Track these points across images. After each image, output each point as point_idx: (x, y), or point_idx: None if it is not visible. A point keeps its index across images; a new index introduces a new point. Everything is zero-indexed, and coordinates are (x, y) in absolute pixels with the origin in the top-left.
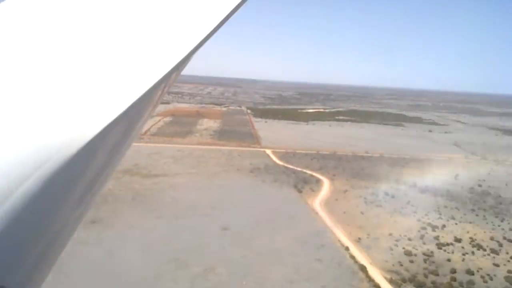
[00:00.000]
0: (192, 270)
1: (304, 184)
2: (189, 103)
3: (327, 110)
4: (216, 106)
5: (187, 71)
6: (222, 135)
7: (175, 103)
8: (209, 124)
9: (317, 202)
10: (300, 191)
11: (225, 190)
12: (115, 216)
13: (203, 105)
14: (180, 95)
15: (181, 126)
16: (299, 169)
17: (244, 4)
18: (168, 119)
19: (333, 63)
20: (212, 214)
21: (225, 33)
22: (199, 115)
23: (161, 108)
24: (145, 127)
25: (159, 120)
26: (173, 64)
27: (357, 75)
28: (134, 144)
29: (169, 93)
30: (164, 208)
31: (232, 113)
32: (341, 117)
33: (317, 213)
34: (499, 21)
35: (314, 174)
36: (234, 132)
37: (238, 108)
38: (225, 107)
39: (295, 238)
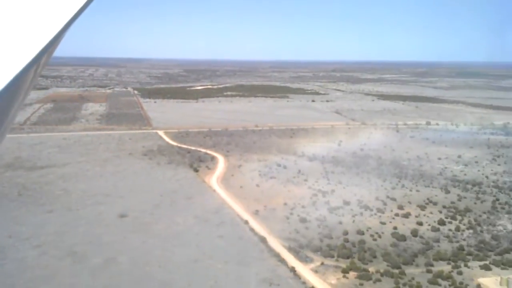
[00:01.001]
0: (92, 262)
1: (200, 163)
2: (70, 87)
3: (215, 87)
4: (100, 88)
5: (62, 52)
6: (110, 119)
7: (54, 88)
8: (94, 108)
9: (214, 179)
10: (196, 170)
11: (118, 176)
12: (2, 215)
13: (86, 88)
14: (59, 79)
15: (64, 112)
16: (193, 148)
17: None
18: (49, 105)
19: (217, 39)
20: (107, 202)
21: (102, 10)
22: (83, 99)
23: (39, 94)
24: (24, 116)
25: (39, 108)
26: (42, 45)
27: (241, 50)
28: (11, 135)
29: (45, 77)
30: (55, 201)
31: (118, 95)
32: (229, 93)
33: (214, 190)
34: None
35: (209, 151)
36: (122, 115)
37: (124, 89)
38: (110, 89)
39: (195, 218)
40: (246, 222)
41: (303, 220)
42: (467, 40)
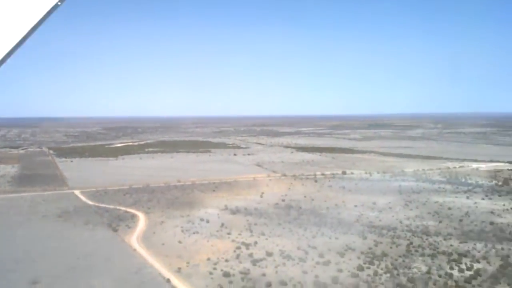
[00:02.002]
0: None
1: (119, 222)
2: None
3: (136, 143)
4: (12, 149)
5: None
6: (22, 180)
7: None
8: (6, 170)
9: (134, 238)
10: (115, 230)
11: (30, 240)
12: None
13: None
14: None
15: None
16: (112, 206)
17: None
18: None
19: (138, 96)
20: (18, 269)
21: (13, 67)
22: None
23: None
24: None
25: None
26: None
27: (162, 106)
28: None
29: None
30: None
31: (31, 155)
32: (150, 149)
33: (135, 249)
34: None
35: (129, 209)
36: (36, 176)
37: (39, 149)
38: (23, 149)
39: (114, 281)
40: (168, 281)
41: (226, 275)
42: (376, 94)
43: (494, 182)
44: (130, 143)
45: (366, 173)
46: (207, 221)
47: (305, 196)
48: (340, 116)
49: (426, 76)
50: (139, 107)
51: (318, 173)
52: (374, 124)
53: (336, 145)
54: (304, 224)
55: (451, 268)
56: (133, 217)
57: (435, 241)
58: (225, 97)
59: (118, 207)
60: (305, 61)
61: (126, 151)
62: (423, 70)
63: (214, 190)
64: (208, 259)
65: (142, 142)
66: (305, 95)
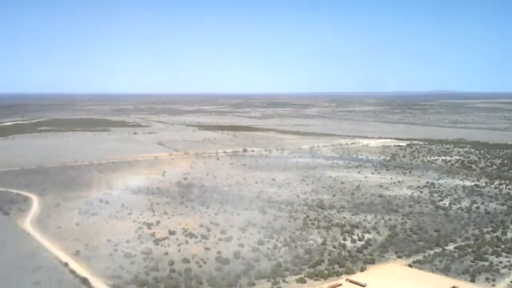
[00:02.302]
0: None
1: (11, 205)
2: None
3: (27, 122)
4: None
5: None
6: None
7: None
8: None
9: (28, 221)
10: (7, 213)
11: None
12: None
13: None
14: None
15: None
16: (2, 189)
17: None
18: None
19: (24, 70)
20: None
21: None
22: None
23: None
24: None
25: None
26: None
27: (54, 81)
28: None
29: None
30: None
31: None
32: (43, 128)
33: (29, 233)
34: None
35: (21, 192)
36: None
37: None
38: None
39: (7, 266)
40: (66, 264)
41: (128, 255)
42: (276, 73)
43: (382, 157)
44: (20, 122)
45: (266, 150)
46: (107, 202)
47: (207, 174)
48: (241, 95)
49: (322, 56)
50: (26, 82)
51: (220, 151)
52: (274, 103)
53: (237, 123)
54: (207, 202)
55: (345, 239)
56: (26, 199)
57: (329, 214)
58: (125, 73)
59: (9, 190)
60: (204, 40)
61: (17, 130)
62: (319, 50)
63: (113, 170)
64: (108, 240)
65: (34, 121)
66: (208, 74)
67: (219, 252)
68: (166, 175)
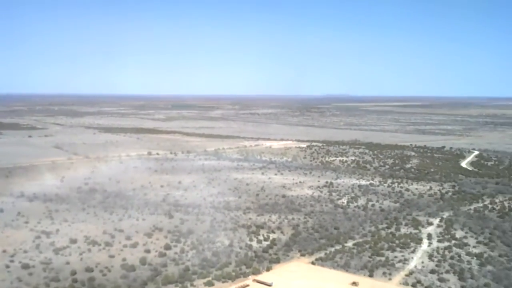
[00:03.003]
0: None
1: None
2: None
3: None
4: None
5: None
6: None
7: None
8: None
9: None
10: None
11: None
12: None
13: None
14: None
15: None
16: None
17: None
18: None
19: None
20: None
21: None
22: None
23: None
24: None
25: None
26: None
27: None
28: None
29: None
30: None
31: None
32: None
33: None
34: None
35: None
36: None
37: None
38: None
39: None
40: None
41: (25, 266)
42: (180, 75)
43: (285, 158)
44: None
45: (171, 153)
46: (1, 211)
47: (110, 179)
48: (144, 96)
49: (224, 59)
50: None
51: (123, 154)
52: (178, 105)
53: (140, 125)
54: (110, 208)
55: (251, 240)
56: None
57: (236, 216)
58: (17, 73)
59: None
60: (102, 38)
61: None
62: (224, 53)
63: (7, 176)
64: (4, 251)
65: None
66: (107, 74)
67: (124, 259)
68: (65, 180)
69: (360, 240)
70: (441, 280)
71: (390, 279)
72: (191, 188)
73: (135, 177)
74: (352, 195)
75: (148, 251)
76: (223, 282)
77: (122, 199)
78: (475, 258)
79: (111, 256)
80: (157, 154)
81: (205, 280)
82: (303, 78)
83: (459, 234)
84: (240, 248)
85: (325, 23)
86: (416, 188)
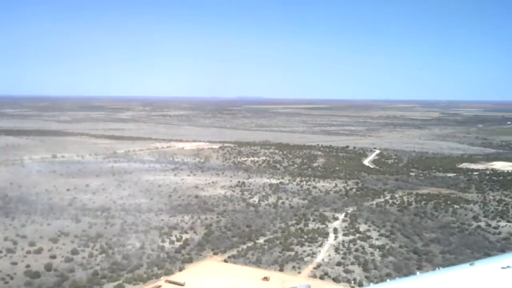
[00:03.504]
0: None
1: None
2: None
3: None
4: None
5: None
6: None
7: None
8: None
9: None
10: None
11: None
12: None
13: None
14: None
15: None
16: None
17: None
18: None
19: None
20: None
21: None
22: None
23: None
24: None
25: None
26: None
27: None
28: None
29: None
30: None
31: None
32: None
33: None
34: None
35: None
36: None
37: None
38: None
39: None
40: None
41: None
42: (86, 76)
43: (197, 159)
44: None
45: (78, 156)
46: None
47: (11, 183)
48: (49, 97)
49: (139, 59)
50: None
51: (25, 157)
52: (85, 106)
53: (45, 127)
54: (12, 213)
55: (163, 241)
56: None
57: (147, 217)
58: None
59: None
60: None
61: None
62: (135, 53)
63: None
64: None
65: None
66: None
67: (28, 266)
68: None
69: (271, 236)
70: (346, 271)
71: (299, 272)
72: (100, 191)
73: (39, 181)
74: (263, 193)
75: (53, 257)
76: (134, 284)
77: (25, 204)
78: (377, 249)
79: (14, 263)
80: (63, 157)
81: (115, 283)
82: (220, 80)
83: (362, 227)
84: (152, 250)
85: (242, 25)
86: (323, 186)
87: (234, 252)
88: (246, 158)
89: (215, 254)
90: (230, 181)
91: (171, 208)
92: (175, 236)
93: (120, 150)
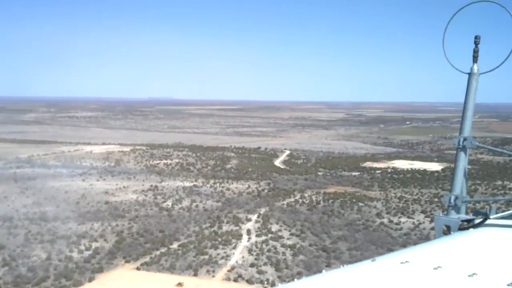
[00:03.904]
0: None
1: None
2: None
3: None
4: None
5: None
6: None
7: None
8: None
9: None
10: None
11: None
12: None
13: None
14: None
15: None
16: None
17: None
18: None
19: None
20: None
21: None
22: None
23: None
24: None
25: None
26: None
27: None
28: None
29: None
30: None
31: None
32: None
33: None
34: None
35: None
36: None
37: None
38: None
39: None
40: None
41: None
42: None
43: (107, 163)
44: None
45: None
46: None
47: None
48: None
49: (45, 57)
50: None
51: None
52: None
53: None
54: None
55: (71, 251)
56: None
57: (54, 226)
58: None
59: None
60: None
61: None
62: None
63: None
64: None
65: None
66: None
67: None
68: None
69: (185, 241)
70: (260, 272)
71: (213, 276)
72: (1, 200)
73: None
74: (177, 197)
75: None
76: None
77: None
78: (289, 249)
79: None
80: None
81: None
82: (130, 81)
83: (274, 228)
84: (59, 260)
85: (150, 23)
86: (236, 187)
87: (147, 259)
88: (158, 161)
89: (127, 262)
90: (142, 185)
91: (79, 216)
92: (84, 245)
93: (23, 154)
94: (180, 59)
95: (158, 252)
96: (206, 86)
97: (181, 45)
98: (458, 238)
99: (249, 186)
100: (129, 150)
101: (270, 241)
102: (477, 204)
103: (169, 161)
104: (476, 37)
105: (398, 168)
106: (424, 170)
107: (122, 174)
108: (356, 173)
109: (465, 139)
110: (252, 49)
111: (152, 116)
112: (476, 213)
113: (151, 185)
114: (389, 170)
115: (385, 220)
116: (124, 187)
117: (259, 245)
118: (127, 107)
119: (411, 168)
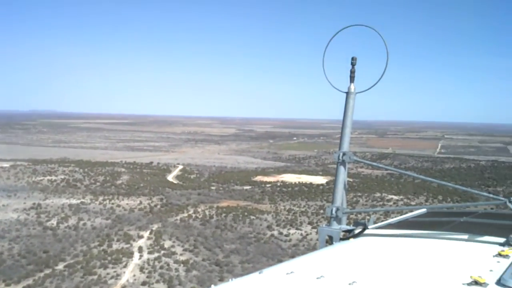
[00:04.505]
0: None
1: None
2: None
3: None
4: None
5: None
6: None
7: None
8: None
9: None
10: None
11: None
12: None
13: None
14: None
15: None
16: None
17: None
18: None
19: None
20: None
21: None
22: None
23: None
24: None
25: None
26: None
27: None
28: None
29: None
30: None
31: None
32: None
33: None
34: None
35: None
36: None
37: None
38: None
39: None
40: None
41: None
42: None
43: None
44: None
45: None
46: None
47: None
48: None
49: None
50: None
51: None
52: None
53: None
54: None
55: None
56: None
57: None
58: None
59: None
60: None
61: None
62: None
63: None
64: None
65: None
66: None
67: None
68: None
69: (72, 261)
70: None
71: None
72: None
73: None
74: (63, 215)
75: None
76: None
77: None
78: (182, 265)
79: None
80: None
81: None
82: (9, 91)
83: (167, 244)
84: None
85: (28, 31)
86: (127, 203)
87: (30, 281)
88: (42, 177)
89: (8, 285)
90: (24, 203)
91: None
92: None
93: None
94: (63, 69)
95: (42, 274)
96: (93, 99)
97: (65, 54)
98: (339, 248)
99: (141, 202)
100: (8, 166)
101: (163, 258)
102: (358, 215)
103: (53, 177)
104: (352, 59)
105: (286, 182)
106: (311, 183)
107: (1, 191)
108: (248, 187)
109: (344, 154)
110: (142, 62)
111: (34, 129)
112: (356, 223)
113: (34, 203)
114: (279, 184)
115: (275, 232)
116: (3, 205)
117: (151, 263)
118: (6, 119)
119: (299, 182)
